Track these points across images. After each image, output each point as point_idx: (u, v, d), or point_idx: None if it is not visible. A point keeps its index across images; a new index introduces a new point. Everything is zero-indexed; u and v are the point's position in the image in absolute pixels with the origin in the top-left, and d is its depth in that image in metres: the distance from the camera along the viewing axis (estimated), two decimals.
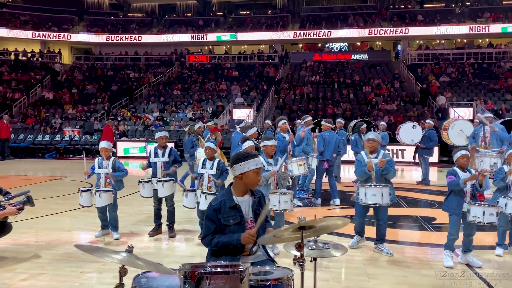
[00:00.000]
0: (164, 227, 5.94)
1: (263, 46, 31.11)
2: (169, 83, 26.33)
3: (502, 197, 4.89)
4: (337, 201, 7.84)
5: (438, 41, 28.86)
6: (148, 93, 25.28)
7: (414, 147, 11.20)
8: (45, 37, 31.43)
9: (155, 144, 6.04)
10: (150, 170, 5.95)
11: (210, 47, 32.12)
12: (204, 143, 7.18)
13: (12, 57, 29.93)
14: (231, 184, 2.85)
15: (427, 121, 10.50)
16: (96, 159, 5.77)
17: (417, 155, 10.54)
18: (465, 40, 28.50)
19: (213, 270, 2.06)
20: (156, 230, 5.83)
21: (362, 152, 5.24)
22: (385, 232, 5.09)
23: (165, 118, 20.79)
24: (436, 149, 13.14)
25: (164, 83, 26.48)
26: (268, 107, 21.79)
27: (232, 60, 29.41)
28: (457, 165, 4.75)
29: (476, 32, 26.63)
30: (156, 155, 5.89)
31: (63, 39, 31.58)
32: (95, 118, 21.13)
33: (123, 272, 2.29)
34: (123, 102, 24.03)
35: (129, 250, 2.28)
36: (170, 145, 6.03)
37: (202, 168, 5.42)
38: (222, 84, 24.82)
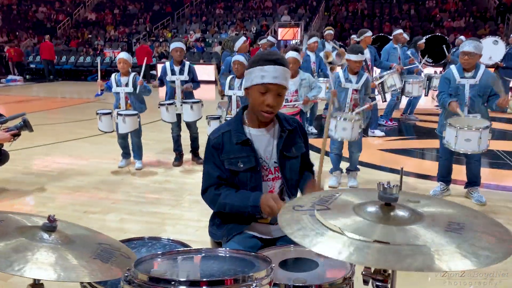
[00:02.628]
0: (187, 156, 5.27)
1: None
2: (211, 2, 24.71)
3: None
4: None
5: None
6: (190, 12, 23.93)
7: (492, 68, 9.46)
8: None
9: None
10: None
11: None
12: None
13: None
14: (244, 107, 1.82)
15: None
16: (113, 75, 4.91)
17: None
18: None
19: None
20: (180, 160, 5.15)
21: (453, 66, 3.78)
22: (478, 173, 3.87)
23: (207, 39, 19.62)
24: None
25: (206, 2, 24.89)
26: (317, 26, 19.86)
27: None
28: None
29: None
30: (173, 72, 4.92)
31: None
32: (137, 40, 20.37)
33: None
34: (164, 23, 22.99)
35: (50, 226, 1.15)
36: (207, 67, 5.17)
37: (229, 89, 4.41)
38: (267, 1, 22.89)
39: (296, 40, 17.89)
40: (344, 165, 4.52)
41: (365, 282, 1.04)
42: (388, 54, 6.93)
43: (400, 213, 0.94)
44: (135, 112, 4.69)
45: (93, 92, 13.38)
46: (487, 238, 0.84)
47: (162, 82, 5.06)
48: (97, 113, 4.80)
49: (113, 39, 21.36)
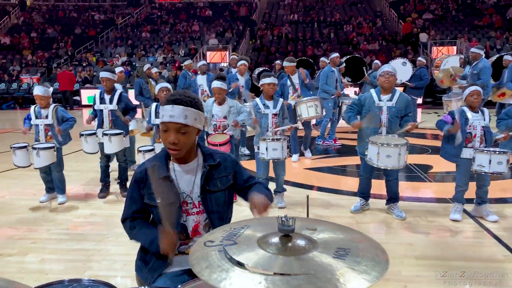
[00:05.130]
0: (114, 187, 5.12)
1: None
2: (137, 25, 24.40)
3: None
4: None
5: None
6: (115, 36, 23.40)
7: (401, 87, 10.32)
8: None
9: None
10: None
11: None
12: (154, 87, 6.32)
13: None
14: None
15: (419, 58, 9.58)
16: (32, 107, 4.70)
17: None
18: None
19: None
20: (106, 191, 4.98)
21: (372, 90, 4.08)
22: (397, 190, 4.19)
23: (133, 63, 19.26)
24: None
25: (132, 25, 24.53)
26: (244, 49, 20.39)
27: None
28: (466, 104, 3.98)
29: None
30: (102, 101, 4.83)
31: None
32: (58, 65, 19.47)
33: None
34: (88, 47, 22.22)
35: None
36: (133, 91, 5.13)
37: (156, 117, 4.41)
38: (194, 25, 23.11)
39: (226, 63, 18.20)
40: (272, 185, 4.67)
41: None
42: (326, 77, 7.23)
43: (297, 242, 1.06)
44: (52, 144, 4.49)
45: (9, 121, 12.54)
46: (366, 262, 0.98)
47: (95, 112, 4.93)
48: (11, 148, 4.54)
49: (31, 64, 20.20)
